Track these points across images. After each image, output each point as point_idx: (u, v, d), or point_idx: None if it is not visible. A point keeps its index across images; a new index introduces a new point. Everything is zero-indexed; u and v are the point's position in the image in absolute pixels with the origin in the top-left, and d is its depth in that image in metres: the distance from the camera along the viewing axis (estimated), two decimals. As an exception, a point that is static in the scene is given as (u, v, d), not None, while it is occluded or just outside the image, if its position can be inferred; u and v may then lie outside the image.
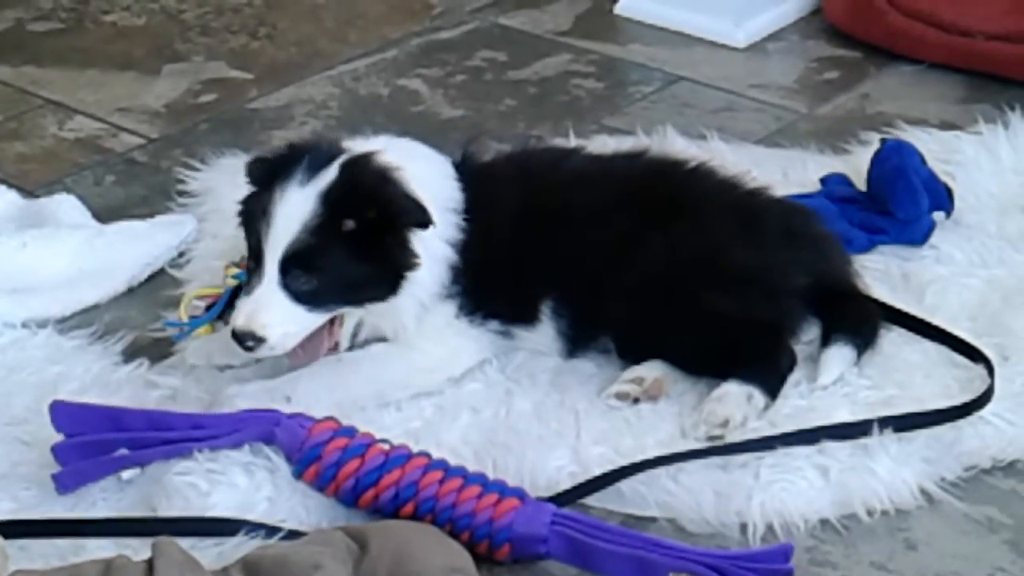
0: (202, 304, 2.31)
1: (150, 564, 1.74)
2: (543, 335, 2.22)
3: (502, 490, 1.92)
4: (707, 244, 2.18)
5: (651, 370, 2.16)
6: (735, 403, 2.10)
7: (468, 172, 2.24)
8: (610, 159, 2.35)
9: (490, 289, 2.19)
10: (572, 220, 2.20)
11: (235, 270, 2.30)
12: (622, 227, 2.19)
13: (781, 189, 2.40)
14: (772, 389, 2.13)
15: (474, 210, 2.19)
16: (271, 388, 2.13)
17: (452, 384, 2.18)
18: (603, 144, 2.69)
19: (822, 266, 2.24)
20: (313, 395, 2.11)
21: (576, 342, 2.22)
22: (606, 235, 2.19)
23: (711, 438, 2.07)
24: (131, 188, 2.74)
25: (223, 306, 2.29)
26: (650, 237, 2.18)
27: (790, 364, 2.16)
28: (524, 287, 2.20)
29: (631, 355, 2.19)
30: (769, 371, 2.14)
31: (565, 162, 2.31)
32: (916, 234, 2.45)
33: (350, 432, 1.99)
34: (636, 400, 2.14)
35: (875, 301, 2.27)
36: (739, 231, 2.20)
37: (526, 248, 2.19)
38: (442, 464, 1.95)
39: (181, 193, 2.67)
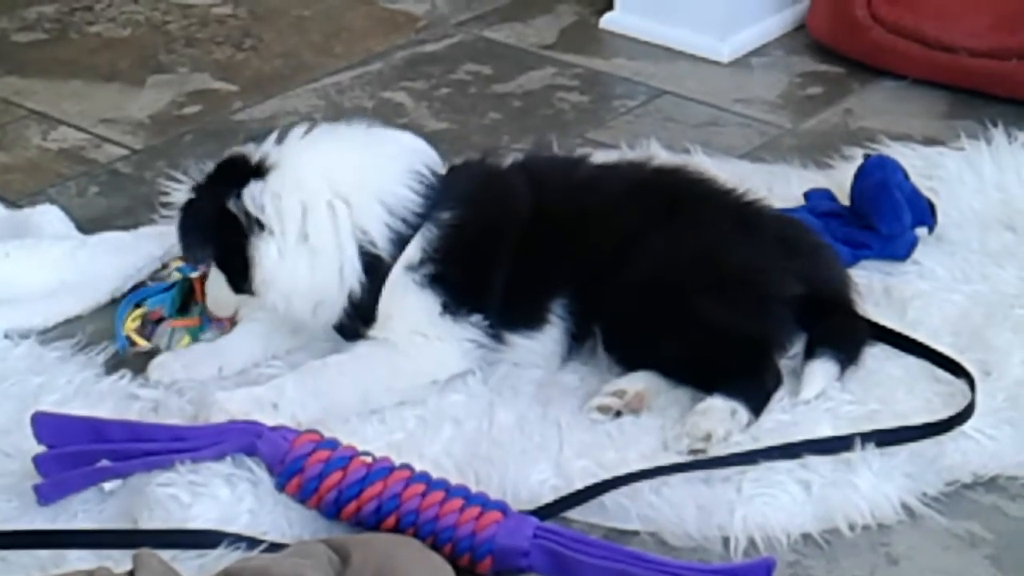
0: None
1: (131, 576, 1.74)
2: (547, 339, 2.22)
3: (484, 503, 1.92)
4: (703, 243, 2.19)
5: (633, 383, 2.16)
6: (718, 417, 2.10)
7: (465, 176, 2.27)
8: (615, 165, 2.38)
9: (486, 292, 2.20)
10: (583, 220, 2.22)
11: (179, 263, 2.36)
12: (626, 224, 2.21)
13: (765, 203, 2.40)
14: (756, 405, 2.13)
15: (469, 214, 2.21)
16: (258, 396, 2.14)
17: (435, 395, 2.18)
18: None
19: (817, 276, 2.24)
20: (299, 402, 2.13)
21: (579, 339, 2.22)
22: (612, 233, 2.20)
23: (693, 451, 2.07)
24: (115, 199, 2.73)
25: (162, 296, 2.32)
26: (649, 234, 2.19)
27: (776, 382, 2.17)
28: (533, 290, 2.21)
29: (617, 352, 2.19)
30: (754, 387, 2.14)
31: (574, 167, 2.34)
32: (899, 249, 2.46)
33: (332, 444, 1.98)
34: (618, 413, 2.14)
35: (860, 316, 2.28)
36: (736, 232, 2.21)
37: (537, 251, 2.20)
38: (424, 477, 1.95)
39: (165, 204, 2.67)
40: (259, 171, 2.19)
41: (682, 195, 2.26)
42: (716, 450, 2.06)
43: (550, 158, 2.48)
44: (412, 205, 2.20)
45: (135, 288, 2.42)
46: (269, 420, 2.08)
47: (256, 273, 2.19)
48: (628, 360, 2.19)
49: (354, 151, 2.25)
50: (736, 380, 2.13)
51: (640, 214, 2.22)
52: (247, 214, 2.17)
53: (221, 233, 2.20)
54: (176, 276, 2.36)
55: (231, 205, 2.18)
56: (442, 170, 2.27)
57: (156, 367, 2.24)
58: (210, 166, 2.27)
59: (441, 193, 2.22)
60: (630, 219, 2.21)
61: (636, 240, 2.19)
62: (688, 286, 2.16)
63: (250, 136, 2.31)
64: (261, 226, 2.17)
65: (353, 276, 2.18)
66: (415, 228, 2.19)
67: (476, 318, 2.20)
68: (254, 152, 2.22)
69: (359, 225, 2.18)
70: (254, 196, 2.17)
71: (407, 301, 2.18)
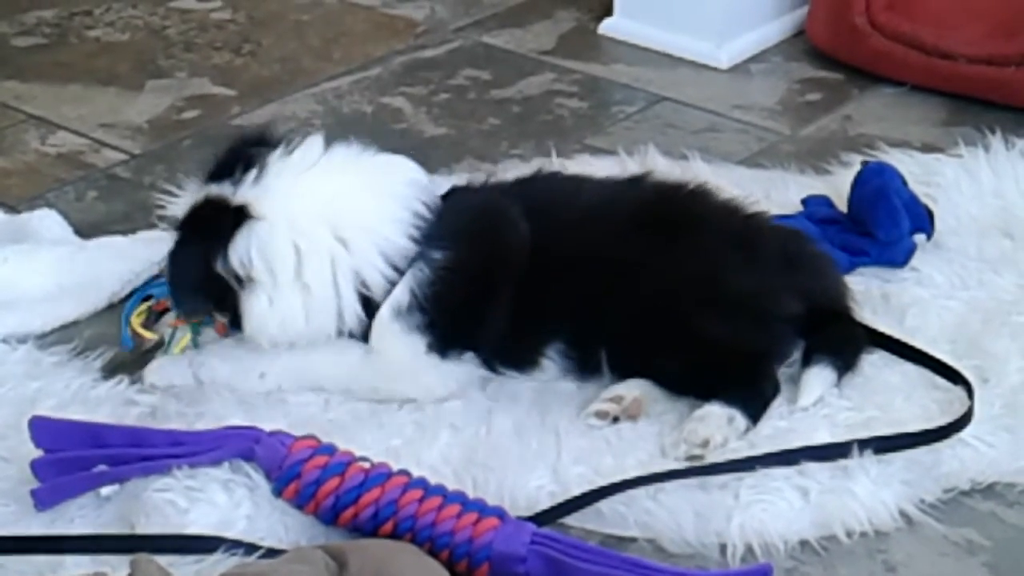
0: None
1: (128, 581, 1.73)
2: (542, 375, 2.21)
3: (482, 509, 1.92)
4: (704, 266, 2.18)
5: (630, 389, 2.16)
6: (716, 424, 2.10)
7: (459, 210, 2.22)
8: (612, 184, 2.33)
9: (476, 334, 2.18)
10: (581, 261, 2.17)
11: None
12: (626, 256, 2.17)
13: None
14: (754, 413, 2.13)
15: (463, 256, 2.16)
16: (247, 365, 2.19)
17: (432, 402, 2.18)
18: (586, 164, 2.70)
19: (816, 288, 2.23)
20: (284, 380, 2.17)
21: (580, 371, 2.21)
22: (611, 269, 2.17)
23: (691, 458, 2.07)
24: (113, 204, 2.73)
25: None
26: (649, 256, 2.17)
27: (774, 391, 2.16)
28: (528, 334, 2.19)
29: (620, 369, 2.19)
30: (753, 395, 2.14)
31: (572, 197, 2.27)
32: (897, 256, 2.46)
33: (330, 450, 1.98)
34: (615, 419, 2.14)
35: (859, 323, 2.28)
36: (736, 255, 2.20)
37: (533, 293, 2.16)
38: (422, 483, 1.95)
39: (162, 219, 2.65)
40: (241, 217, 2.11)
41: (682, 218, 2.23)
42: (713, 457, 2.06)
43: (548, 186, 2.32)
44: (407, 251, 2.15)
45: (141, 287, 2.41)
46: (256, 387, 2.15)
47: (247, 323, 2.16)
48: (630, 375, 2.18)
49: (351, 187, 2.18)
50: (734, 388, 2.13)
51: (640, 244, 2.18)
52: (235, 275, 2.12)
53: (212, 291, 2.16)
54: None
55: (219, 267, 2.12)
56: (436, 200, 2.20)
57: (153, 371, 2.23)
58: (185, 201, 2.20)
59: (434, 230, 2.17)
60: (630, 251, 2.18)
61: (637, 267, 2.16)
62: (689, 307, 2.15)
63: (217, 164, 2.20)
64: (251, 278, 2.12)
65: (353, 320, 2.16)
66: (403, 272, 2.15)
67: (467, 355, 2.19)
68: (231, 193, 2.14)
69: (355, 270, 2.14)
70: (240, 255, 2.11)
71: (394, 345, 2.16)
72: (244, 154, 2.18)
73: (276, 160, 2.16)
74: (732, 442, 2.09)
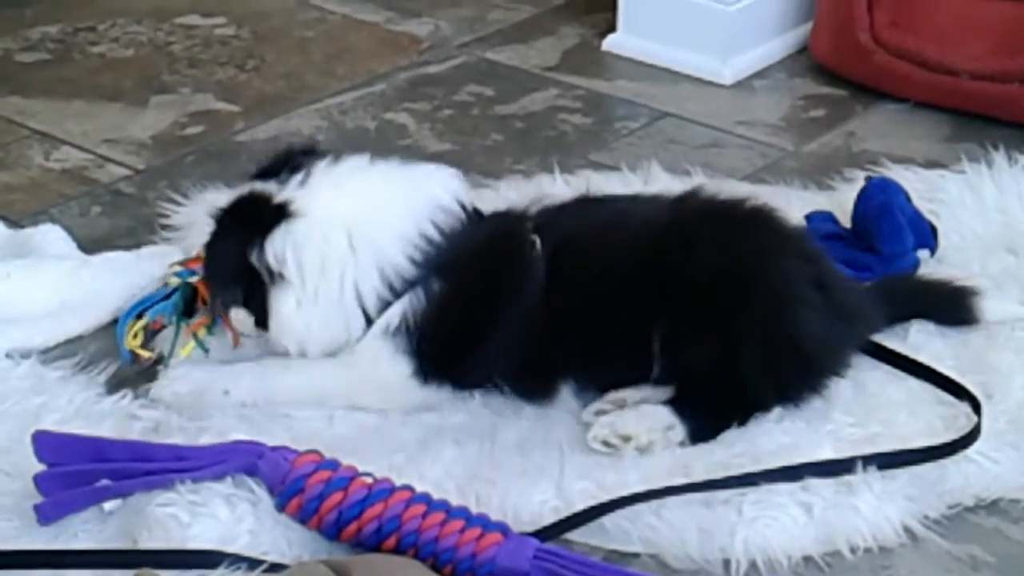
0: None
1: (131, 596, 1.73)
2: (557, 401, 2.20)
3: (485, 524, 1.92)
4: (772, 308, 2.12)
5: (633, 392, 2.15)
6: (649, 426, 2.09)
7: (471, 238, 2.19)
8: (654, 207, 2.24)
9: (475, 368, 2.17)
10: (604, 293, 2.14)
11: (178, 268, 2.34)
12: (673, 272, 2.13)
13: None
14: (698, 436, 2.11)
15: (462, 288, 2.15)
16: (212, 379, 2.19)
17: (436, 416, 2.18)
18: (587, 179, 2.71)
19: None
20: (251, 396, 2.18)
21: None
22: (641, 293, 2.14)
23: (605, 444, 2.07)
24: (117, 219, 2.74)
25: (163, 305, 2.31)
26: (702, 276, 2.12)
27: (734, 423, 2.13)
28: (543, 367, 2.16)
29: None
30: (710, 422, 2.12)
31: (596, 229, 2.20)
32: (901, 271, 2.46)
33: (333, 465, 1.98)
34: None
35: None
36: (809, 303, 2.14)
37: (548, 327, 2.14)
38: (425, 498, 1.95)
39: (166, 228, 2.67)
40: (280, 215, 2.14)
41: (747, 244, 2.15)
42: (713, 472, 2.06)
43: (571, 215, 2.24)
44: (407, 273, 2.15)
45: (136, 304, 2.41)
46: (218, 403, 2.15)
47: (273, 322, 2.18)
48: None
49: (376, 201, 2.18)
50: (700, 406, 2.11)
51: (692, 268, 2.13)
52: (268, 269, 2.15)
53: (245, 281, 2.18)
54: (175, 281, 2.32)
55: (253, 259, 2.15)
56: (456, 224, 2.18)
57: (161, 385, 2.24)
58: (229, 195, 2.24)
59: (440, 258, 2.16)
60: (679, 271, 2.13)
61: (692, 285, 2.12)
62: (740, 342, 2.10)
63: (266, 165, 2.26)
64: (282, 276, 2.15)
65: (357, 331, 2.17)
66: (400, 294, 2.15)
67: (448, 387, 2.18)
68: (276, 192, 2.18)
69: (356, 283, 2.15)
70: (276, 250, 2.13)
71: (377, 362, 2.17)
72: (293, 159, 2.23)
73: (322, 167, 2.21)
74: (658, 449, 2.08)
